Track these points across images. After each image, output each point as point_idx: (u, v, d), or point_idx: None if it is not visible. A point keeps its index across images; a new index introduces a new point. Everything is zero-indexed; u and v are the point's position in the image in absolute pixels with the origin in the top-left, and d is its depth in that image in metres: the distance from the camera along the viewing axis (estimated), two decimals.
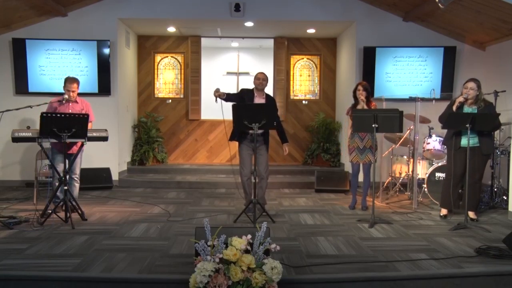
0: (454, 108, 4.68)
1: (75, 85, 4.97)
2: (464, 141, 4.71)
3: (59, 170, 4.73)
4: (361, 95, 5.23)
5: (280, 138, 5.21)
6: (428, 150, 5.83)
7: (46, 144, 4.62)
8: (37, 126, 4.50)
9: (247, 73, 9.74)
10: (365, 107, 5.18)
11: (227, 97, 4.95)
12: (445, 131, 5.08)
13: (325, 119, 8.07)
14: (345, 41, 7.81)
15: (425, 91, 6.74)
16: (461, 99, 4.66)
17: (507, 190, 5.18)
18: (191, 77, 8.31)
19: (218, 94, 4.87)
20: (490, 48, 6.89)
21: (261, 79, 5.05)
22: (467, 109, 4.74)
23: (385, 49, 7.05)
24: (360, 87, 5.29)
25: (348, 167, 7.44)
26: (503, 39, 6.39)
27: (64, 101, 4.95)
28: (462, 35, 6.97)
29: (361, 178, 5.46)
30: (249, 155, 4.93)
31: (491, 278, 3.12)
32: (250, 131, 4.73)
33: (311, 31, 7.80)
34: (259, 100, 5.03)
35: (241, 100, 4.96)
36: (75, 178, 5.04)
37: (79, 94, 5.15)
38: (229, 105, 4.72)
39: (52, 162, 4.81)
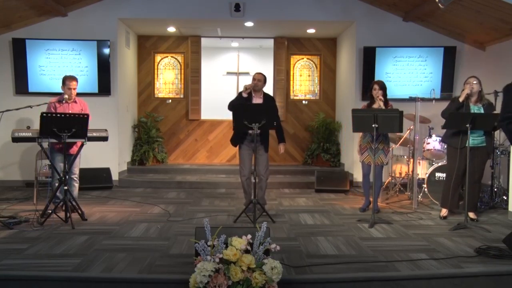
0: (461, 99, 4.65)
1: (74, 82, 4.97)
2: (472, 141, 4.62)
3: (58, 170, 4.73)
4: (379, 94, 5.01)
5: (277, 137, 5.16)
6: (428, 150, 5.83)
7: (46, 144, 4.61)
8: (37, 126, 4.50)
9: (247, 73, 9.74)
10: (382, 107, 4.97)
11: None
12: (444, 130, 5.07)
13: (325, 119, 8.07)
14: (345, 41, 7.81)
15: (425, 91, 6.74)
16: (467, 91, 4.64)
17: (507, 190, 5.18)
18: (191, 77, 8.31)
19: (249, 88, 4.89)
20: (490, 48, 6.89)
21: (256, 79, 5.01)
22: (472, 107, 4.72)
23: (385, 49, 7.05)
24: (376, 86, 5.06)
25: (348, 167, 7.45)
26: (503, 39, 6.39)
27: (64, 101, 4.96)
28: (462, 35, 6.97)
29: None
30: (249, 155, 4.92)
31: (491, 278, 3.12)
32: (250, 131, 4.73)
33: (311, 31, 7.80)
34: (256, 100, 5.02)
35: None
36: (74, 178, 5.03)
37: (79, 94, 5.15)
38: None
39: (52, 162, 4.81)
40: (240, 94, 5.00)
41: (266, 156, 5.04)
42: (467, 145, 4.57)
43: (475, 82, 4.68)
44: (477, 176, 4.70)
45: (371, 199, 5.12)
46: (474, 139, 4.66)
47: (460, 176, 4.77)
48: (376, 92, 5.05)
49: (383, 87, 5.07)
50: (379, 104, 5.01)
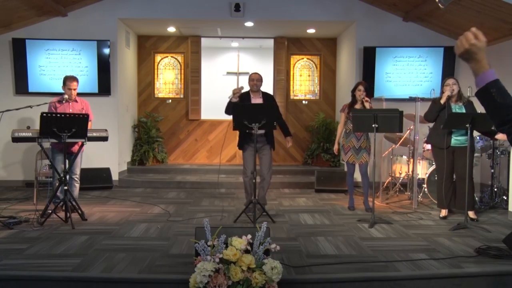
0: (443, 101, 4.74)
1: (75, 83, 4.98)
2: (454, 141, 4.77)
3: (59, 170, 4.73)
4: (364, 95, 5.12)
5: (282, 132, 5.21)
6: (428, 150, 5.83)
7: (46, 144, 4.61)
8: (37, 126, 4.50)
9: (247, 73, 9.70)
10: (368, 108, 5.07)
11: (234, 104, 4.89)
12: None
13: (325, 119, 8.07)
14: (345, 41, 7.81)
15: (425, 91, 6.73)
16: (448, 93, 4.73)
17: (507, 190, 5.18)
18: (191, 77, 8.31)
19: (237, 92, 4.81)
20: (490, 48, 6.88)
21: (255, 80, 5.00)
22: (454, 106, 4.82)
23: (385, 49, 7.05)
24: (361, 87, 5.18)
25: None
26: (503, 39, 6.39)
27: (64, 101, 4.96)
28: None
29: (358, 179, 5.43)
30: (252, 155, 4.90)
31: (491, 278, 3.12)
32: (252, 131, 4.72)
33: (311, 31, 7.80)
34: (255, 100, 5.01)
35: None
36: (75, 179, 5.03)
37: (79, 94, 5.15)
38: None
39: (52, 162, 4.81)
40: (230, 101, 4.87)
41: (270, 156, 5.03)
42: (452, 144, 4.73)
43: (454, 83, 4.79)
44: (469, 174, 4.70)
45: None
46: (457, 139, 4.75)
47: (449, 175, 4.86)
48: (361, 93, 5.17)
49: (367, 88, 5.23)
50: (362, 106, 5.14)
